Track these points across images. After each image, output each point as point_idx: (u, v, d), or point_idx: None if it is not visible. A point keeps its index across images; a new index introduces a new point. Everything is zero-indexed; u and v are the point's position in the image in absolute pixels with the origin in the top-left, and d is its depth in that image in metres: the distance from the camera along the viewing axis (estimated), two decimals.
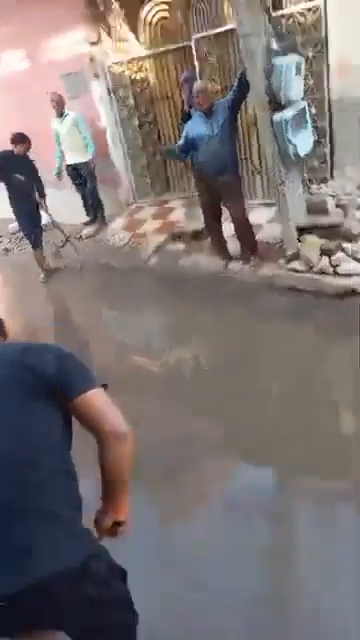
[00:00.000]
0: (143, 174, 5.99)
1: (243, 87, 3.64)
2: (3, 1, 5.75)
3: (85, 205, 6.09)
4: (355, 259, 3.69)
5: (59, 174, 5.78)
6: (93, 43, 5.37)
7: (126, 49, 5.43)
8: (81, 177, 5.80)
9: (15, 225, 6.83)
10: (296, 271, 3.87)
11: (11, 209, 5.22)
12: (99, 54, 5.46)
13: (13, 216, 6.36)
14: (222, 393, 2.96)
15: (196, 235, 5.05)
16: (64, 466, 1.13)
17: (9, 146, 4.91)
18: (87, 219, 6.15)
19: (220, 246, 4.47)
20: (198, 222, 5.21)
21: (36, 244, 5.30)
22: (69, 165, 5.75)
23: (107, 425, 1.10)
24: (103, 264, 5.35)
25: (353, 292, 3.55)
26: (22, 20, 5.73)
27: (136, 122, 5.69)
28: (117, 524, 1.21)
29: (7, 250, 6.43)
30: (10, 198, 5.11)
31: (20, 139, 4.86)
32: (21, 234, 6.64)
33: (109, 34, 5.41)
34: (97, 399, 1.12)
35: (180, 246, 5.10)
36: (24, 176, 4.89)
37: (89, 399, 1.11)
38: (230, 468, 2.49)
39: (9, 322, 1.45)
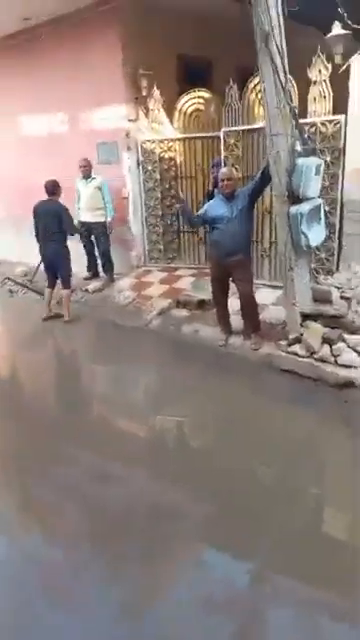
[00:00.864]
0: (157, 241, 6.25)
1: (265, 179, 3.94)
2: (59, 72, 6.38)
3: (89, 261, 6.29)
4: (356, 351, 3.74)
5: (78, 229, 6.06)
6: (131, 120, 5.87)
7: (160, 130, 5.92)
8: (90, 235, 6.05)
9: (22, 269, 7.01)
10: (297, 355, 3.91)
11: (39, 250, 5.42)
12: (134, 130, 5.94)
13: (19, 259, 6.49)
14: (207, 467, 2.85)
15: (201, 305, 5.16)
16: None
17: (43, 194, 5.25)
18: (87, 274, 6.33)
19: (224, 320, 4.55)
20: (204, 293, 5.35)
21: (52, 284, 5.51)
22: (83, 222, 6.01)
23: None
24: (106, 319, 5.39)
25: (352, 384, 3.56)
26: (71, 91, 6.30)
27: (159, 195, 6.05)
28: None
29: (12, 292, 6.48)
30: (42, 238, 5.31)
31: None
32: (27, 278, 6.78)
33: (146, 115, 5.93)
34: None
35: (184, 313, 5.18)
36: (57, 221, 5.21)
37: None
38: (206, 555, 2.31)
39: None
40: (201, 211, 4.32)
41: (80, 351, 5.10)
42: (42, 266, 5.74)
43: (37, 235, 5.34)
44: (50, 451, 3.10)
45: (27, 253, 7.33)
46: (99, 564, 2.21)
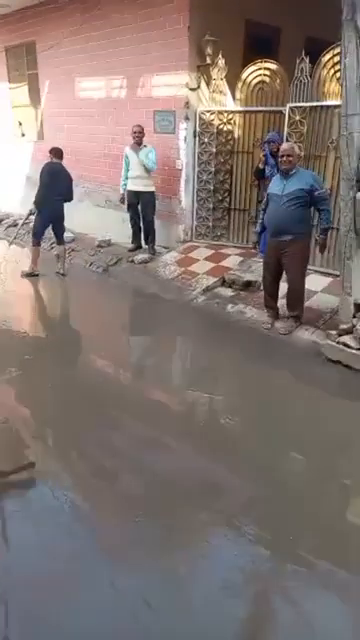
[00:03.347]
0: (206, 216, 6.15)
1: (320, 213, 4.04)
2: (121, 36, 6.22)
3: (133, 231, 6.26)
4: None
5: (123, 200, 6.04)
6: (192, 89, 5.69)
7: (220, 101, 5.73)
8: (137, 205, 5.99)
9: (70, 235, 7.07)
10: (346, 346, 3.82)
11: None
12: (194, 100, 5.77)
13: (67, 226, 6.54)
14: (239, 450, 2.86)
15: (247, 285, 5.10)
16: None
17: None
18: (131, 246, 6.31)
19: (271, 304, 4.48)
20: (251, 274, 5.28)
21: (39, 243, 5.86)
22: (131, 191, 5.96)
23: None
24: (149, 292, 5.41)
25: None
26: (131, 56, 6.15)
27: (213, 169, 5.91)
28: None
29: (59, 257, 6.54)
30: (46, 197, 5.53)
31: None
32: (74, 244, 6.84)
33: (208, 84, 5.73)
34: None
35: (229, 292, 5.13)
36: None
37: None
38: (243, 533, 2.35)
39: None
40: (264, 202, 4.32)
41: (121, 322, 5.14)
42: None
43: (48, 193, 5.47)
44: (94, 416, 3.17)
45: (77, 220, 7.41)
46: (148, 529, 2.30)
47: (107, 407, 3.31)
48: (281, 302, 4.51)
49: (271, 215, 4.11)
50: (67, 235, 7.05)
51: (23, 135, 8.80)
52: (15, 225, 8.10)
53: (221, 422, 3.20)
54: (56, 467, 2.72)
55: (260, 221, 4.37)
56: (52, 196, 5.51)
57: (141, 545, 2.22)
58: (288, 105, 5.03)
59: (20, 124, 8.80)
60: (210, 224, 6.15)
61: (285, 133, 5.09)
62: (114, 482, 2.61)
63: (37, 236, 5.72)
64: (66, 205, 5.76)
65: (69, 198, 5.71)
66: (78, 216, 7.46)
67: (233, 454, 2.84)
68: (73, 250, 6.70)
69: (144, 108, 6.17)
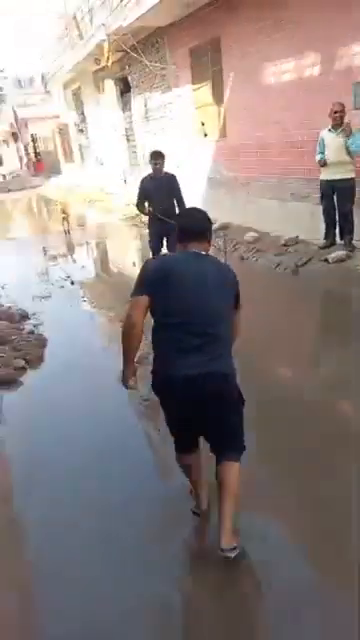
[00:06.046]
0: None
1: None
2: (303, 4, 5.54)
3: (327, 225, 5.51)
4: None
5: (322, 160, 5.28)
6: None
7: None
8: (334, 194, 5.25)
9: (253, 234, 6.74)
10: None
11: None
12: None
13: (249, 225, 6.14)
14: None
15: None
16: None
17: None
18: (323, 242, 5.58)
19: None
20: None
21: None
22: (326, 180, 5.28)
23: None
24: (350, 296, 4.66)
25: None
26: (327, 19, 5.38)
27: None
28: None
29: (242, 258, 6.31)
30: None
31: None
32: (258, 244, 6.51)
33: None
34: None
35: None
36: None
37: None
38: None
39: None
40: None
41: (317, 332, 4.54)
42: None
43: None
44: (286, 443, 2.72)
45: (259, 218, 7.06)
46: None
47: (302, 437, 2.81)
48: None
49: None
50: (250, 235, 6.79)
51: (205, 135, 8.83)
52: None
53: None
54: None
55: None
56: None
57: None
58: None
59: (202, 124, 8.85)
60: None
61: None
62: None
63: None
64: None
65: None
66: (258, 213, 7.11)
67: None
68: (258, 250, 6.36)
69: (340, 82, 5.35)
